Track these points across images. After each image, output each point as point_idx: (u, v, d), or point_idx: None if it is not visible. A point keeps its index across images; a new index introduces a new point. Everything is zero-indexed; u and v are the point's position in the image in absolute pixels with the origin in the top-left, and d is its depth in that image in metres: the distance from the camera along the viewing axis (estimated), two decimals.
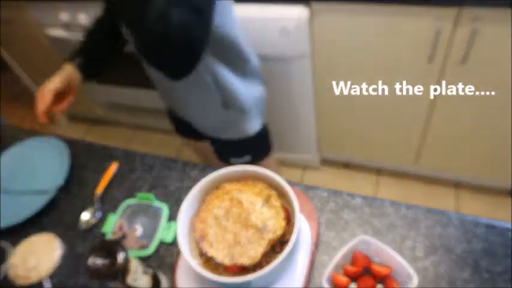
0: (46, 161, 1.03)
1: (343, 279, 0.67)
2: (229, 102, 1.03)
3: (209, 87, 0.97)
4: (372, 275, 0.68)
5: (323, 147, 1.89)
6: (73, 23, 1.75)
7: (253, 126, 1.14)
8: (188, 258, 0.64)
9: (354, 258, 0.69)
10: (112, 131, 2.48)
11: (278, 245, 0.67)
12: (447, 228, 0.74)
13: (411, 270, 0.64)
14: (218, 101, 1.02)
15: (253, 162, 1.22)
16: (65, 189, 0.97)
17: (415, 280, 0.63)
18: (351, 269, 0.68)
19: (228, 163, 1.21)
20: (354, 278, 0.69)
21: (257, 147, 1.24)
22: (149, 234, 0.85)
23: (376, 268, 0.68)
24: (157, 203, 0.88)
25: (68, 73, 0.95)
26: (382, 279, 0.68)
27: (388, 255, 0.67)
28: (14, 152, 1.07)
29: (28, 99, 2.85)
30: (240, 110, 1.06)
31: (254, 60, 1.06)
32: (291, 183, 0.83)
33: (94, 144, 1.07)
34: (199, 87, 0.97)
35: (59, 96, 0.94)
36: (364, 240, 0.68)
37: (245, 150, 1.20)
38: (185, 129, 1.28)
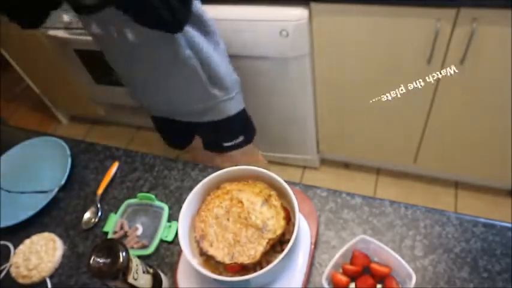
0: (48, 161, 1.03)
1: (343, 279, 0.67)
2: (213, 78, 1.05)
3: (192, 63, 1.00)
4: (371, 274, 0.69)
5: (323, 147, 1.89)
6: (73, 24, 1.76)
7: (236, 106, 1.16)
8: (189, 257, 0.64)
9: (354, 257, 0.70)
10: (113, 131, 2.48)
11: (278, 244, 0.67)
12: (446, 227, 0.75)
13: (410, 270, 0.64)
14: (202, 77, 1.03)
15: (245, 143, 1.26)
16: (66, 189, 0.97)
17: (414, 280, 0.63)
18: (351, 268, 0.68)
19: (222, 150, 1.23)
20: (353, 277, 0.69)
21: (244, 128, 1.25)
22: (150, 233, 0.85)
23: (376, 267, 0.68)
24: (157, 203, 0.89)
25: None
26: (382, 278, 0.68)
27: (388, 254, 0.67)
28: (16, 152, 1.07)
29: (28, 99, 2.87)
30: (224, 87, 1.09)
31: (223, 43, 1.10)
32: (291, 183, 0.84)
33: (95, 144, 1.08)
34: (183, 66, 1.00)
35: None
36: (364, 239, 0.69)
37: (234, 132, 1.22)
38: (174, 136, 1.32)
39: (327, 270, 0.66)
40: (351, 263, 0.70)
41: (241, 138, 1.24)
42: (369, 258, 0.70)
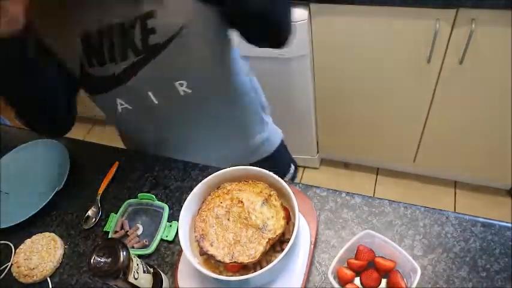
0: (48, 163, 1.03)
1: (348, 273, 0.68)
2: (263, 103, 0.97)
3: (252, 94, 0.93)
4: (376, 268, 0.69)
5: (323, 147, 1.90)
6: None
7: (277, 129, 1.09)
8: (189, 256, 0.65)
9: (358, 252, 0.70)
10: (114, 130, 2.48)
11: (278, 244, 0.68)
12: (445, 227, 0.75)
13: (415, 264, 0.64)
14: (259, 107, 0.94)
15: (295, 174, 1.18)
16: (67, 189, 0.97)
17: (419, 274, 0.63)
18: (356, 262, 0.69)
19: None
20: (358, 271, 0.69)
21: (289, 154, 1.16)
22: (150, 233, 0.85)
23: (381, 262, 0.68)
24: (158, 203, 0.89)
25: None
26: (386, 273, 0.68)
27: (392, 249, 0.67)
28: (16, 154, 1.07)
29: None
30: (267, 110, 1.01)
31: None
32: (291, 183, 0.84)
33: (95, 144, 1.08)
34: (243, 102, 0.91)
35: None
36: (369, 234, 0.69)
37: (285, 162, 1.13)
38: None
39: (333, 264, 0.67)
40: (356, 258, 0.70)
41: (292, 168, 1.15)
42: (374, 253, 0.70)
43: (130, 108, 0.82)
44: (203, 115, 0.86)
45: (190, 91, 0.78)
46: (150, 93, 0.78)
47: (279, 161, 1.10)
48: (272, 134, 1.05)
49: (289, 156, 1.16)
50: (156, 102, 0.80)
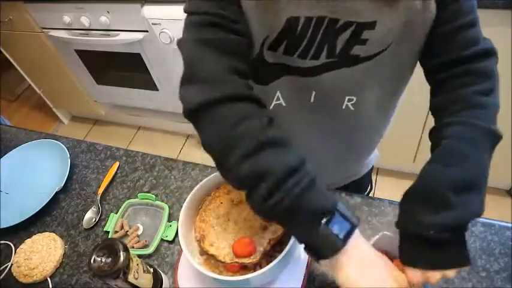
0: (48, 163, 1.04)
1: None
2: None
3: (390, 121, 0.90)
4: None
5: None
6: (74, 25, 1.76)
7: (375, 155, 1.02)
8: (189, 257, 0.65)
9: None
10: (114, 130, 2.49)
11: (278, 244, 0.68)
12: None
13: None
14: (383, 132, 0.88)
15: None
16: (67, 189, 0.98)
17: None
18: None
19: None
20: None
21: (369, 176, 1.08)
22: (150, 233, 0.86)
23: (399, 265, 0.66)
24: (158, 203, 0.89)
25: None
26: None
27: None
28: (16, 154, 1.08)
29: (29, 99, 2.87)
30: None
31: None
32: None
33: (96, 144, 1.08)
34: (384, 118, 0.87)
35: None
36: (385, 236, 0.67)
37: (368, 182, 1.07)
38: None
39: None
40: None
41: (369, 186, 1.08)
42: (391, 255, 0.68)
43: (284, 105, 0.72)
44: (344, 133, 0.79)
45: (352, 109, 0.71)
46: (313, 94, 0.69)
47: (368, 179, 1.06)
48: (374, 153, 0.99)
49: (370, 174, 1.08)
50: (312, 101, 0.70)
